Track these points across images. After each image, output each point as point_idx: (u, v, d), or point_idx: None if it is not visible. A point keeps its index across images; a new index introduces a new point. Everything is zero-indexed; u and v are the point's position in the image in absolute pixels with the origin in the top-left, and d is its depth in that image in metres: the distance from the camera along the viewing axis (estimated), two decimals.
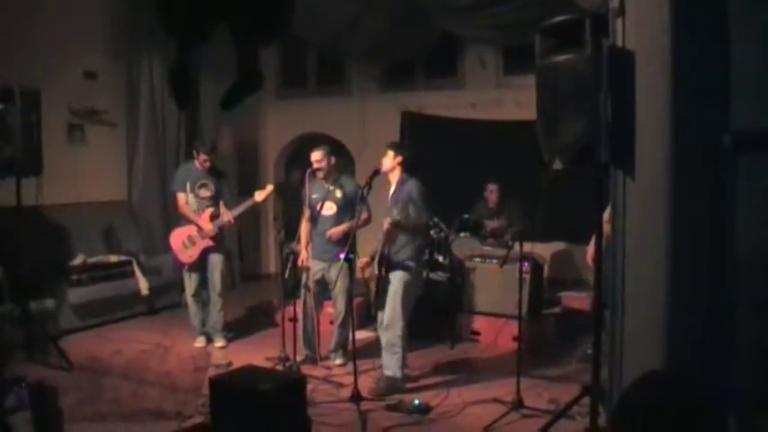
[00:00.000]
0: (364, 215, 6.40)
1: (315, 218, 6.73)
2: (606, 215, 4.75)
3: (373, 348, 6.53)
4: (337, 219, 6.68)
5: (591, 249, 6.68)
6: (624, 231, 4.05)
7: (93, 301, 8.04)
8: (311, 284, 6.72)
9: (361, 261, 6.20)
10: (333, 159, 6.77)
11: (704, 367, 3.46)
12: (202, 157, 7.33)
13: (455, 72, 10.41)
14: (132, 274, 8.58)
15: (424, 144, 9.99)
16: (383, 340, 5.99)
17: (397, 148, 6.20)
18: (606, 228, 6.48)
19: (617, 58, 3.96)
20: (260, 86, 3.86)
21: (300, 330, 6.74)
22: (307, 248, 6.81)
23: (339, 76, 11.28)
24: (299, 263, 6.77)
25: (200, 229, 7.26)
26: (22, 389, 3.44)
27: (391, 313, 5.90)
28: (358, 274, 6.20)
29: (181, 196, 7.38)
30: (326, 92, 11.32)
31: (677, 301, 3.58)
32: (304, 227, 6.89)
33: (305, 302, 6.78)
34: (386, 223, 5.79)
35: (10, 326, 6.62)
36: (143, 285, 8.55)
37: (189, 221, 7.33)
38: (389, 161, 6.11)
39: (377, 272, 5.95)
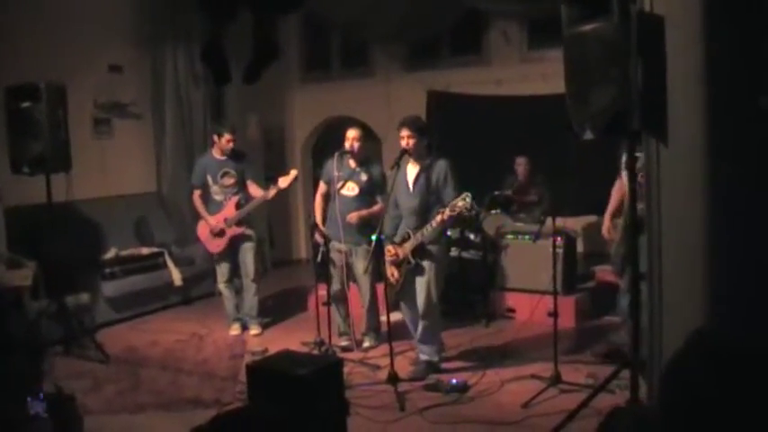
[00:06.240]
0: (382, 204, 6.32)
1: (331, 196, 6.61)
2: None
3: (407, 330, 6.49)
4: (358, 201, 6.57)
5: (607, 222, 6.38)
6: (659, 199, 3.98)
7: (127, 293, 8.09)
8: (336, 267, 6.68)
9: (391, 251, 5.89)
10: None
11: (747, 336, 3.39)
12: (226, 137, 7.24)
13: (479, 49, 10.29)
14: (165, 265, 8.61)
15: (452, 122, 9.93)
16: (419, 327, 5.91)
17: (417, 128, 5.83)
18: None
19: (646, 23, 3.88)
20: (277, 56, 3.85)
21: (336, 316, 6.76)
22: (323, 225, 6.70)
23: (363, 57, 11.20)
24: (316, 239, 6.65)
25: (224, 218, 7.23)
26: (38, 399, 3.42)
27: (427, 301, 5.78)
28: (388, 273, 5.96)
29: (196, 192, 7.38)
30: (351, 74, 11.26)
31: (717, 270, 3.51)
32: (318, 202, 6.83)
33: (336, 286, 6.73)
34: (446, 214, 5.49)
35: (47, 321, 6.67)
36: (176, 276, 8.58)
37: (217, 210, 7.29)
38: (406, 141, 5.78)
39: (411, 261, 5.75)
